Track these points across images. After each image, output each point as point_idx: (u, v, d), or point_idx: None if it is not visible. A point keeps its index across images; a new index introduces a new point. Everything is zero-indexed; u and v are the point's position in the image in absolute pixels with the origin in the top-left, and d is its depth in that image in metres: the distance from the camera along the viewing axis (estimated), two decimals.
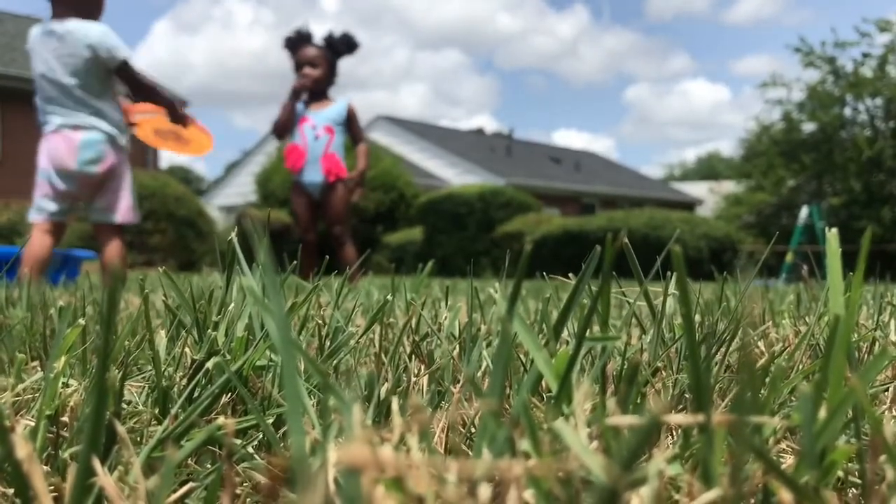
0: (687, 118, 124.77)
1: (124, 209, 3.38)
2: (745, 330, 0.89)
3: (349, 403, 0.39)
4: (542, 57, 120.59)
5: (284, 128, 4.43)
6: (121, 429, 0.49)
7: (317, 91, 4.43)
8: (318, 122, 4.35)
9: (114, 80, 3.35)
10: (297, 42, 4.46)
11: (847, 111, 17.69)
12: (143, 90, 3.39)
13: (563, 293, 1.30)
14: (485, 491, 0.34)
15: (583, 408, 0.44)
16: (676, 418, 0.40)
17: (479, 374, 0.83)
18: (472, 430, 0.65)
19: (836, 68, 17.53)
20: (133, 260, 11.57)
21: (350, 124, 4.45)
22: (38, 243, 3.14)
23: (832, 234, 0.57)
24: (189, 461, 0.60)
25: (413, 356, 0.91)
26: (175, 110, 3.54)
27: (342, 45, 4.45)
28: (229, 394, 0.71)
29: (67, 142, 3.22)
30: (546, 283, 1.24)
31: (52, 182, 3.24)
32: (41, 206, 3.25)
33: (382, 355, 0.83)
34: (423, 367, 0.88)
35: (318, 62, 4.38)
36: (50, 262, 3.18)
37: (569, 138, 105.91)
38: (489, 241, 14.04)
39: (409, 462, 0.33)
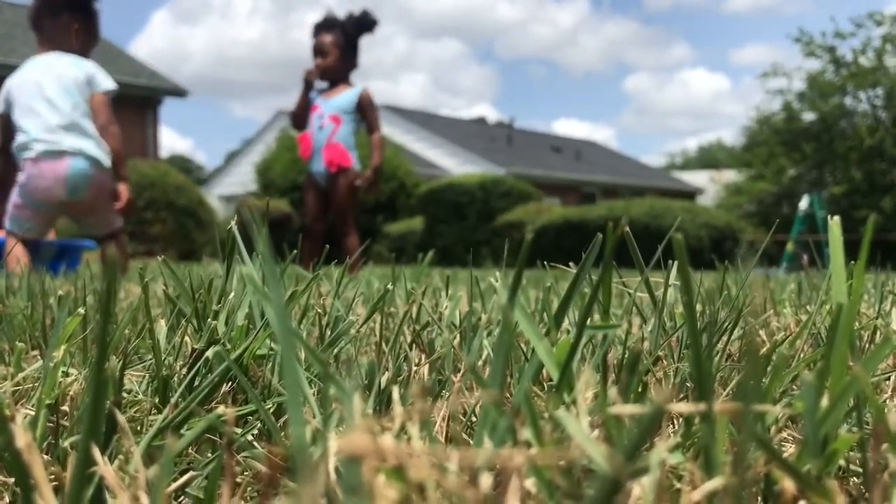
0: (687, 108, 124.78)
1: (113, 221, 3.33)
2: (746, 319, 0.89)
3: (350, 392, 0.39)
4: (541, 46, 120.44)
5: (298, 118, 4.40)
6: (121, 418, 0.48)
7: (331, 79, 4.36)
8: (325, 111, 4.28)
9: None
10: (316, 29, 4.39)
11: (848, 100, 17.67)
12: (114, 124, 3.27)
13: (564, 282, 1.30)
14: (486, 480, 0.34)
15: (584, 396, 0.44)
16: (679, 407, 0.40)
17: (480, 363, 0.83)
18: (473, 419, 0.65)
19: (836, 58, 17.50)
20: (133, 249, 11.57)
21: (363, 112, 4.33)
22: (16, 253, 3.05)
23: (835, 222, 0.56)
24: (189, 450, 0.60)
25: (413, 345, 0.91)
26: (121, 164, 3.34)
27: (352, 27, 4.37)
28: (229, 383, 0.70)
29: (53, 172, 3.08)
30: (546, 272, 1.23)
31: (36, 209, 3.15)
32: (21, 224, 3.16)
33: (383, 344, 0.83)
34: (423, 356, 0.88)
35: (327, 50, 4.30)
36: (28, 261, 3.11)
37: (569, 128, 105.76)
38: (490, 230, 14.03)
39: (410, 451, 0.33)
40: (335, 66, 4.33)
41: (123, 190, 3.33)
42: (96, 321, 0.96)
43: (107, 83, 3.27)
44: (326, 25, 4.38)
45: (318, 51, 4.33)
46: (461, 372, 0.78)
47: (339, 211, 4.28)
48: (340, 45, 4.34)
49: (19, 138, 3.14)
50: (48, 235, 3.37)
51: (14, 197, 3.17)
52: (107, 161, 3.22)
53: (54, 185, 3.09)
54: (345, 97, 4.32)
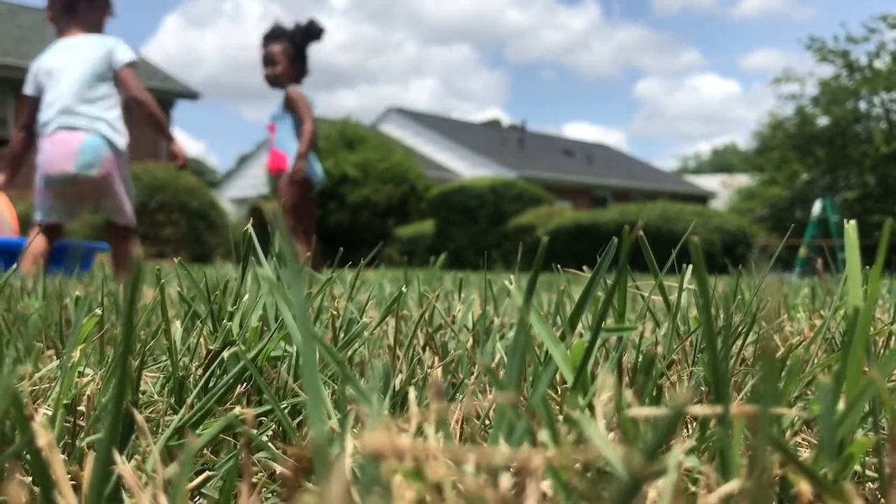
0: (697, 112, 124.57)
1: (130, 212, 3.36)
2: (760, 323, 0.89)
3: (368, 393, 0.39)
4: (552, 51, 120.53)
5: None
6: (139, 417, 0.49)
7: (279, 86, 4.40)
8: (270, 121, 4.37)
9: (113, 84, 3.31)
10: (265, 39, 4.43)
11: (862, 105, 17.58)
12: (144, 91, 3.32)
13: (576, 286, 1.30)
14: (505, 480, 0.34)
15: (602, 399, 0.44)
16: (696, 409, 0.40)
17: (494, 365, 0.83)
18: (487, 422, 0.65)
19: (850, 62, 17.42)
20: (145, 251, 11.59)
21: (291, 110, 4.29)
22: (35, 243, 3.13)
23: (851, 226, 0.56)
24: (205, 451, 0.60)
25: (427, 348, 0.91)
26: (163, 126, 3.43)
27: (300, 37, 4.36)
28: (244, 384, 0.71)
29: (65, 145, 3.16)
30: (558, 275, 1.23)
31: (52, 187, 3.20)
32: (46, 211, 3.24)
33: (396, 347, 0.83)
34: (436, 359, 0.88)
35: (276, 59, 4.34)
36: (45, 259, 3.14)
37: (580, 131, 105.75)
38: (501, 234, 14.03)
39: (428, 450, 0.33)
40: (283, 74, 4.35)
41: (176, 148, 3.45)
42: (112, 322, 0.97)
43: (126, 56, 3.30)
44: (274, 35, 4.39)
45: (268, 60, 4.36)
46: (474, 375, 0.78)
47: (286, 211, 4.24)
48: (289, 54, 4.35)
49: (41, 117, 3.23)
50: (75, 219, 3.40)
51: (36, 182, 3.24)
52: (121, 144, 3.28)
53: (64, 158, 3.15)
54: (277, 103, 4.33)
